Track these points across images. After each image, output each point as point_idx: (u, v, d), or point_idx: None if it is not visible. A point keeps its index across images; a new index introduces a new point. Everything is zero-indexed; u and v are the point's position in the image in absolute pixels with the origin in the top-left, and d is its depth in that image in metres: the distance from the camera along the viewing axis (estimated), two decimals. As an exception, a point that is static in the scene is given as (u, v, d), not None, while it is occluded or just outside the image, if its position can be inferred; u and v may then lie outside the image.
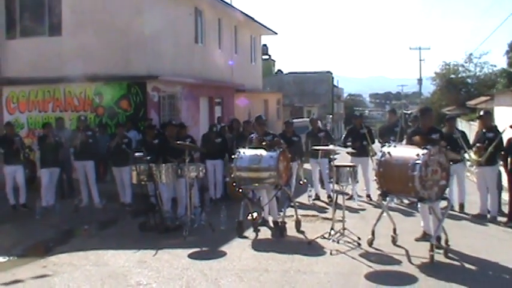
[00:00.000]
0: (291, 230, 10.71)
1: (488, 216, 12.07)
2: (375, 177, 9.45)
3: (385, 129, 15.01)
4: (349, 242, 9.68)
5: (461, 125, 30.73)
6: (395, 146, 9.40)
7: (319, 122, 15.84)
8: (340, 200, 10.24)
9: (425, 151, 8.55)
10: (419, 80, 60.89)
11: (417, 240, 9.83)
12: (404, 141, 10.57)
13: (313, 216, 12.51)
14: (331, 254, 9.11)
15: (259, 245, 9.84)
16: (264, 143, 10.66)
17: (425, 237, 9.81)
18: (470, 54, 50.91)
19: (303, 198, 14.34)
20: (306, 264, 8.61)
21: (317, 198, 14.59)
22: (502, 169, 12.13)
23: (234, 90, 27.21)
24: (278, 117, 37.03)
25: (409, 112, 52.96)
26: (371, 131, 14.92)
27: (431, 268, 8.29)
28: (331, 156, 10.63)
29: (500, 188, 12.41)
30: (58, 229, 11.94)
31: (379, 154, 9.41)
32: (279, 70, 68.94)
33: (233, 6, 26.84)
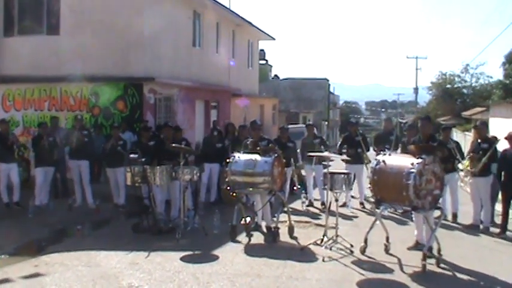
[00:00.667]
0: (284, 236, 10.70)
1: (481, 226, 12.10)
2: (369, 185, 9.46)
3: (380, 137, 15.04)
4: (341, 249, 9.69)
5: (456, 135, 30.84)
6: (390, 155, 9.42)
7: (315, 128, 15.85)
8: (333, 206, 10.25)
9: (420, 160, 8.58)
10: (416, 89, 60.99)
11: (409, 249, 9.85)
12: (399, 150, 10.58)
13: (307, 222, 12.51)
14: (323, 260, 9.11)
15: (251, 250, 9.84)
16: (258, 148, 10.68)
17: (417, 246, 9.85)
18: (467, 65, 51.21)
19: (297, 204, 14.34)
20: (298, 271, 8.60)
21: (311, 204, 14.59)
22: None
23: (231, 94, 27.21)
24: (274, 123, 37.06)
25: (404, 121, 53.12)
26: (366, 139, 14.93)
27: (423, 277, 8.31)
28: (325, 163, 10.64)
29: (494, 198, 12.45)
30: (51, 228, 11.90)
31: (374, 162, 9.43)
32: (275, 75, 68.97)
33: (232, 11, 26.88)
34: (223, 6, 25.21)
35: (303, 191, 14.72)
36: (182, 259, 9.21)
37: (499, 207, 12.35)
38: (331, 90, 73.76)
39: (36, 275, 8.42)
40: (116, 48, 18.26)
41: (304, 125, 17.35)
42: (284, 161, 11.08)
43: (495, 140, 12.38)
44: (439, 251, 9.07)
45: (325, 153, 11.18)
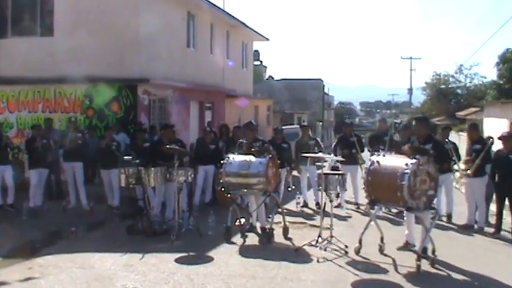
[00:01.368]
0: (278, 237, 10.71)
1: (476, 226, 12.14)
2: (363, 186, 9.47)
3: (375, 138, 15.04)
4: (336, 250, 9.70)
5: (451, 135, 30.92)
6: (384, 155, 9.42)
7: (309, 130, 15.87)
8: (328, 207, 10.26)
9: (414, 161, 8.58)
10: (410, 90, 61.10)
11: (399, 249, 9.86)
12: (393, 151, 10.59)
13: (301, 223, 12.52)
14: (318, 261, 9.11)
15: (246, 251, 9.83)
16: (253, 149, 10.68)
17: (407, 246, 9.88)
18: (461, 65, 51.36)
19: (291, 205, 14.34)
20: (293, 272, 8.60)
21: (305, 205, 14.60)
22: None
23: (225, 95, 27.17)
24: (268, 124, 37.05)
25: (398, 121, 53.18)
26: (360, 139, 14.96)
27: (417, 277, 8.31)
28: (319, 164, 10.64)
29: (489, 199, 12.48)
30: (45, 230, 11.84)
31: (368, 163, 9.44)
32: (270, 76, 68.96)
33: (226, 12, 26.87)
34: (218, 7, 25.19)
35: (298, 192, 14.72)
36: (177, 260, 9.19)
37: (493, 207, 12.38)
38: (326, 91, 73.83)
39: (31, 277, 8.39)
40: (110, 49, 18.23)
41: (298, 126, 17.32)
42: (278, 162, 11.09)
43: (488, 140, 12.44)
44: (433, 251, 9.08)
45: (320, 154, 11.20)
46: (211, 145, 14.62)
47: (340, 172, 10.85)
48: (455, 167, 13.10)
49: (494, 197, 12.29)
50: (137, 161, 11.48)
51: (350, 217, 13.39)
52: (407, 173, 8.42)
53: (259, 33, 32.48)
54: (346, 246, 9.74)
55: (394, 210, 13.15)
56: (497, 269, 8.92)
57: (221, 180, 10.68)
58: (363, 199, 11.86)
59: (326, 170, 10.84)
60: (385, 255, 9.54)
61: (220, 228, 10.77)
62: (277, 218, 11.40)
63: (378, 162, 9.15)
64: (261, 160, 10.27)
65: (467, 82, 51.99)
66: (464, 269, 8.80)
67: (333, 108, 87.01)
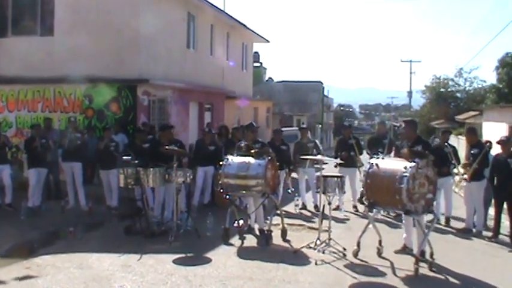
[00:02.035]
0: (276, 239, 10.69)
1: (474, 230, 12.14)
2: (362, 188, 9.47)
3: (374, 140, 15.03)
4: (334, 253, 9.69)
5: (450, 139, 30.91)
6: (383, 158, 9.43)
7: (308, 132, 15.88)
8: (326, 210, 10.25)
9: (413, 164, 8.59)
10: (409, 93, 61.10)
11: (396, 252, 9.87)
12: (392, 154, 10.59)
13: (300, 225, 12.51)
14: (316, 264, 9.11)
15: (244, 253, 9.83)
16: (252, 151, 10.67)
17: (405, 250, 9.89)
18: (461, 69, 51.31)
19: (290, 207, 14.35)
20: (291, 274, 8.59)
21: (304, 207, 14.60)
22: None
23: (225, 96, 27.18)
24: (267, 125, 37.01)
25: (398, 124, 53.22)
26: (359, 142, 14.97)
27: (415, 281, 8.33)
28: (318, 166, 10.65)
29: (487, 203, 12.49)
30: (43, 230, 11.83)
31: (367, 166, 9.44)
32: (269, 78, 68.96)
33: (226, 13, 26.88)
34: (218, 8, 25.21)
35: (296, 194, 14.71)
36: (175, 261, 9.19)
37: (492, 211, 12.38)
38: (325, 93, 73.83)
39: (28, 277, 8.38)
40: (110, 49, 18.23)
41: (298, 128, 17.32)
42: (277, 163, 11.09)
43: (485, 144, 12.49)
44: (431, 254, 9.07)
45: (319, 157, 11.21)
46: (210, 146, 14.61)
47: (338, 175, 10.86)
48: (455, 170, 13.12)
49: (492, 201, 12.30)
50: (136, 161, 11.47)
51: (348, 220, 13.38)
52: (406, 176, 8.43)
53: (259, 35, 32.50)
54: (345, 249, 9.74)
55: (392, 213, 13.14)
56: (494, 273, 8.93)
57: (220, 182, 10.69)
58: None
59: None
60: (383, 258, 9.54)
61: (219, 230, 10.76)
62: (276, 219, 11.40)
63: (376, 165, 9.16)
64: (260, 162, 10.27)
65: (466, 86, 51.97)
66: (461, 273, 8.80)
67: (332, 111, 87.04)
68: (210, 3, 23.46)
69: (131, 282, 8.10)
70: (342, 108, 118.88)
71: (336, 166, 13.86)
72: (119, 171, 11.80)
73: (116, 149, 13.96)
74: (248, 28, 29.93)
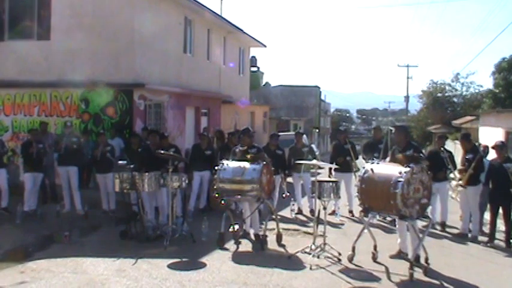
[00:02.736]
0: (272, 244, 10.72)
1: (469, 235, 12.16)
2: (357, 193, 9.48)
3: (370, 145, 15.02)
4: (329, 257, 9.70)
5: (447, 144, 30.96)
6: (378, 163, 9.45)
7: (304, 136, 15.89)
8: (322, 215, 10.26)
9: (407, 169, 8.60)
10: (407, 97, 61.16)
11: (392, 257, 9.87)
12: (388, 159, 10.60)
13: (295, 230, 12.51)
14: (311, 268, 9.12)
15: (239, 258, 9.82)
16: (248, 156, 10.68)
17: (400, 255, 9.89)
18: (458, 74, 51.60)
19: (285, 212, 14.33)
20: (286, 279, 8.59)
21: (299, 212, 14.61)
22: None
23: (221, 101, 27.18)
24: (264, 130, 37.01)
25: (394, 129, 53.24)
26: (355, 147, 14.97)
27: (410, 286, 8.35)
28: (313, 171, 10.67)
29: (483, 208, 12.53)
30: (38, 234, 11.82)
31: (362, 170, 9.45)
32: (267, 82, 68.98)
33: (223, 18, 26.91)
34: (215, 13, 25.23)
35: (292, 199, 14.70)
36: (169, 266, 9.18)
37: (488, 216, 12.41)
38: (323, 97, 73.92)
39: (23, 281, 8.37)
40: (106, 53, 18.21)
41: (295, 133, 17.33)
42: (273, 168, 11.10)
43: (481, 149, 12.54)
44: (426, 259, 9.08)
45: (314, 162, 11.23)
46: (207, 151, 14.60)
47: (334, 179, 10.87)
48: (451, 175, 13.14)
49: (488, 206, 12.35)
50: (131, 165, 11.46)
51: (344, 224, 13.39)
52: (400, 181, 8.45)
53: (256, 40, 32.51)
54: (340, 254, 9.75)
55: (388, 218, 13.15)
56: (489, 278, 8.96)
57: (215, 187, 10.69)
58: (356, 207, 11.87)
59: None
60: (378, 263, 9.55)
61: (214, 235, 10.76)
62: (271, 224, 11.41)
63: (372, 170, 9.18)
64: (255, 167, 10.29)
65: (463, 91, 52.25)
66: (456, 278, 8.81)
67: (329, 115, 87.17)
68: (207, 8, 23.47)
69: (125, 287, 8.10)
70: (339, 112, 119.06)
71: (330, 172, 13.89)
72: (114, 175, 11.80)
73: (112, 153, 13.96)
74: (245, 33, 29.95)
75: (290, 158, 14.68)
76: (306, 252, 9.90)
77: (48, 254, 10.18)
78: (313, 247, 9.95)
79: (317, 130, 64.36)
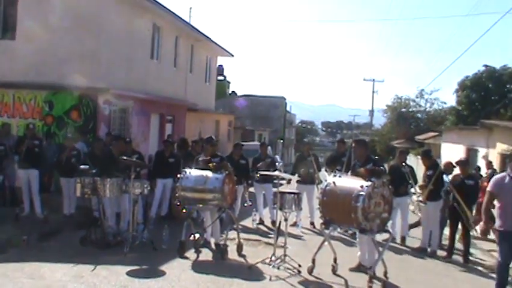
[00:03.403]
0: (232, 253, 10.69)
1: (429, 250, 12.29)
2: (318, 206, 9.51)
3: (333, 158, 15.09)
4: (289, 269, 9.71)
5: (410, 159, 31.26)
6: (340, 176, 9.51)
7: (268, 148, 15.93)
8: (283, 226, 10.27)
9: (369, 183, 8.67)
10: (371, 112, 61.70)
11: (351, 270, 9.92)
12: (350, 172, 10.67)
13: (256, 240, 12.52)
14: (270, 279, 9.11)
15: (199, 267, 9.77)
16: (210, 165, 10.67)
17: (359, 268, 9.93)
18: (422, 90, 52.28)
19: (247, 222, 14.34)
20: (245, 289, 8.59)
21: (261, 222, 14.62)
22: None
23: (187, 108, 27.12)
24: (229, 139, 37.03)
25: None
26: (317, 159, 15.06)
27: (368, 299, 8.38)
28: (276, 182, 10.70)
29: (443, 223, 12.69)
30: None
31: (324, 183, 9.50)
32: (233, 92, 68.98)
33: (191, 26, 26.93)
34: (184, 20, 25.24)
35: (254, 209, 14.70)
36: (128, 273, 9.09)
37: (447, 231, 12.57)
38: (288, 109, 74.19)
39: (-24, 286, 8.25)
40: (72, 56, 18.01)
41: (259, 144, 17.38)
42: (235, 178, 11.10)
43: (439, 165, 12.75)
44: (385, 273, 9.15)
45: (276, 173, 11.29)
46: (170, 158, 14.53)
47: (295, 191, 10.90)
48: (412, 190, 13.28)
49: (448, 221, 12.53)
50: (93, 171, 11.35)
51: (304, 236, 13.42)
52: (362, 195, 8.51)
53: (224, 49, 32.58)
54: (300, 266, 9.76)
55: (349, 231, 13.22)
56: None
57: (177, 195, 10.65)
58: (317, 219, 11.91)
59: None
60: (338, 275, 9.59)
61: (175, 243, 10.70)
62: (232, 234, 11.40)
63: (334, 182, 9.23)
64: (218, 176, 10.28)
65: (427, 107, 52.95)
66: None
67: (294, 127, 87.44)
68: (176, 15, 23.44)
69: (83, 294, 8.02)
70: (304, 124, 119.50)
71: (288, 183, 13.95)
72: (76, 180, 11.68)
73: (78, 158, 13.82)
74: (213, 41, 30.02)
75: (253, 169, 14.69)
76: (266, 263, 9.89)
77: (4, 258, 10.01)
78: (273, 258, 9.95)
79: (282, 141, 64.53)
